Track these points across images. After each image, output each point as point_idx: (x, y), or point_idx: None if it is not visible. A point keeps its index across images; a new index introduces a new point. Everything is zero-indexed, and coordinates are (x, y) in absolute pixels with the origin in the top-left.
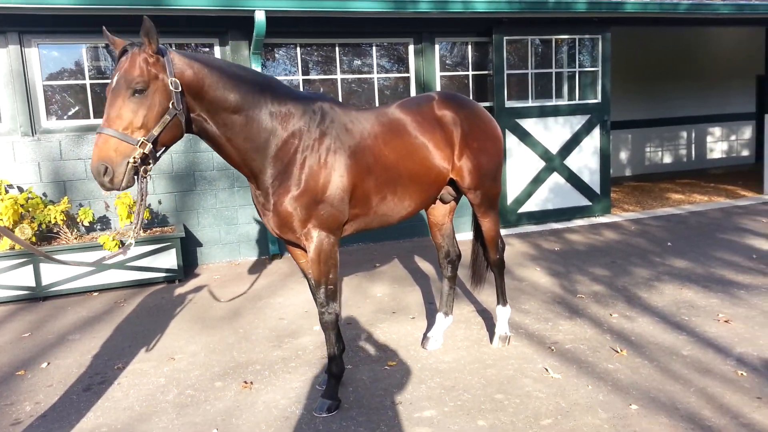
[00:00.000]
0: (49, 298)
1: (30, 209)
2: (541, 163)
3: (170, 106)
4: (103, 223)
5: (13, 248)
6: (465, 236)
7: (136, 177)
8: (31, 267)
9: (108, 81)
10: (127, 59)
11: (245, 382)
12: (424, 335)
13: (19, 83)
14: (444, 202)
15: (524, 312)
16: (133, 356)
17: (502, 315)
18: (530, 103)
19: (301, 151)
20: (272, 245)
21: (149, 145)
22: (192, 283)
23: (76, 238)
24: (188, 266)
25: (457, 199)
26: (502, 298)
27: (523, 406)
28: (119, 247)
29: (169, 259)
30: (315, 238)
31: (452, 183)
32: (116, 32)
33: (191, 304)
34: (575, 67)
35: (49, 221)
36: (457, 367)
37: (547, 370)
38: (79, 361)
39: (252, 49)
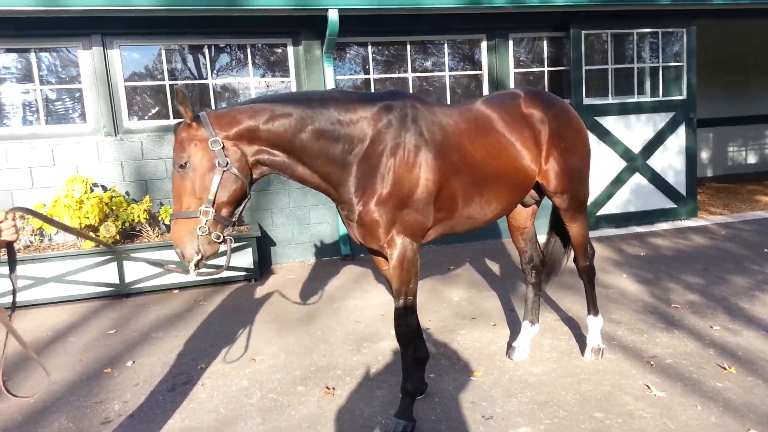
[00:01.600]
0: (132, 295)
1: (114, 208)
2: (622, 163)
3: (216, 165)
4: None
5: (97, 246)
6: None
7: (218, 241)
8: (114, 264)
9: (185, 82)
10: (174, 141)
11: (327, 388)
12: (509, 344)
13: (102, 84)
14: (525, 205)
15: (615, 322)
16: (215, 356)
17: (594, 325)
18: (610, 100)
19: (385, 154)
20: (344, 246)
21: (211, 212)
22: (268, 283)
23: (157, 236)
24: (263, 265)
25: (538, 203)
26: (593, 308)
27: (627, 426)
28: None
29: (246, 258)
30: (398, 245)
31: (536, 186)
32: (192, 33)
33: (268, 304)
34: (658, 62)
35: (133, 219)
36: (548, 380)
37: (648, 387)
38: (163, 360)
39: (324, 48)
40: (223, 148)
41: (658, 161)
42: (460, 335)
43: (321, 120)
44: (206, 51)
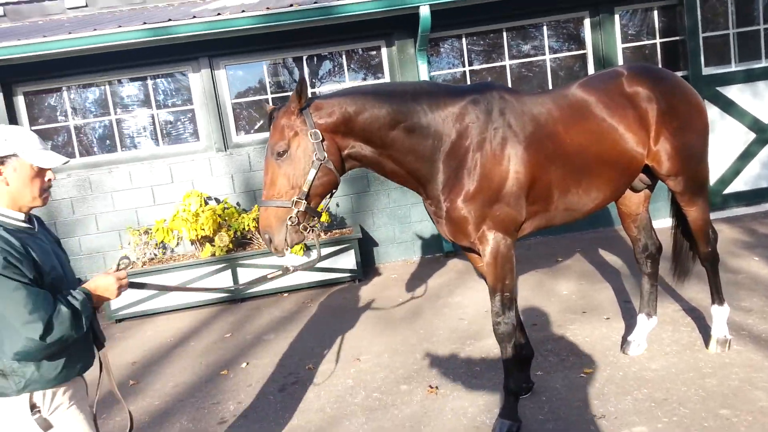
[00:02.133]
0: (247, 299)
1: (226, 218)
2: (751, 135)
3: (314, 158)
4: None
5: (214, 255)
6: (661, 223)
7: (305, 232)
8: (230, 271)
9: (287, 94)
10: (272, 125)
11: (430, 387)
12: (624, 338)
13: (212, 104)
14: (636, 190)
15: (745, 311)
16: (322, 356)
17: (719, 315)
18: (733, 68)
19: (472, 149)
20: (446, 243)
21: (303, 203)
22: (371, 283)
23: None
24: (366, 266)
25: (651, 187)
26: (717, 296)
27: (759, 425)
28: (303, 251)
29: (349, 260)
30: (491, 240)
31: (646, 169)
32: (289, 47)
33: (371, 304)
34: None
35: (243, 228)
36: (668, 375)
37: None
38: (274, 361)
39: (417, 46)
40: (322, 140)
41: None
42: (570, 330)
43: (413, 116)
44: (305, 62)
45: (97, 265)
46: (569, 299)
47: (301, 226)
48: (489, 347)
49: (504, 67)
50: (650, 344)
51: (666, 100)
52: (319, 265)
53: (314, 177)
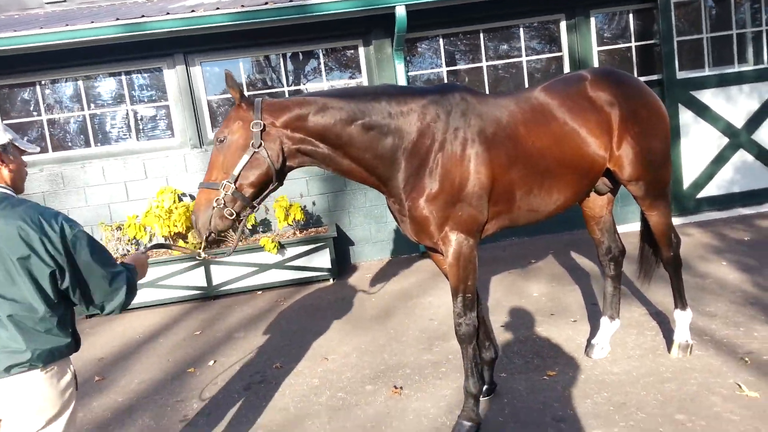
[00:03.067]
0: (219, 297)
1: None
2: (724, 140)
3: (249, 145)
4: (264, 225)
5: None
6: (632, 227)
7: (230, 218)
8: (203, 269)
9: (264, 91)
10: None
11: (395, 387)
12: (588, 341)
13: (187, 100)
14: (600, 193)
15: (709, 315)
16: (290, 355)
17: (682, 320)
18: (707, 72)
19: (432, 149)
20: None
21: (232, 187)
22: (345, 282)
23: (242, 241)
24: (341, 265)
25: (614, 191)
26: (680, 301)
27: (711, 429)
28: (277, 249)
29: (324, 259)
30: (453, 241)
31: (608, 173)
32: (266, 45)
33: (344, 303)
34: (761, 26)
35: None
36: (628, 380)
37: (740, 386)
38: (242, 359)
39: (394, 46)
40: (265, 132)
41: (765, 135)
42: (536, 332)
43: (371, 113)
44: (281, 60)
45: None
46: (539, 301)
47: (226, 210)
48: (456, 348)
49: (481, 68)
50: (614, 347)
51: (628, 105)
52: (295, 263)
53: (245, 164)
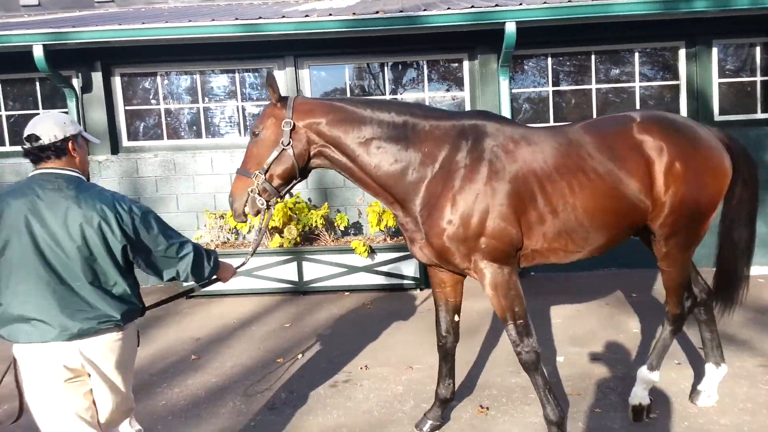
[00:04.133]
0: (308, 293)
1: (296, 212)
2: None
3: (279, 142)
4: (356, 228)
5: (281, 246)
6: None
7: (261, 206)
8: (295, 264)
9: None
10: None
11: (481, 407)
12: (693, 387)
13: None
14: None
15: None
16: (376, 359)
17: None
18: None
19: (453, 179)
20: None
21: (263, 177)
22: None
23: (333, 241)
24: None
25: None
26: (657, 361)
27: None
28: (368, 253)
29: (412, 268)
30: (485, 271)
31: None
32: (373, 53)
33: (430, 315)
34: None
35: (312, 224)
36: None
37: None
38: (328, 357)
39: (500, 62)
40: (294, 131)
41: None
42: (635, 370)
43: (390, 132)
44: (386, 68)
45: None
46: (637, 337)
47: (259, 200)
48: (549, 373)
49: (590, 90)
50: (722, 397)
51: (678, 153)
52: (384, 269)
53: (274, 159)
